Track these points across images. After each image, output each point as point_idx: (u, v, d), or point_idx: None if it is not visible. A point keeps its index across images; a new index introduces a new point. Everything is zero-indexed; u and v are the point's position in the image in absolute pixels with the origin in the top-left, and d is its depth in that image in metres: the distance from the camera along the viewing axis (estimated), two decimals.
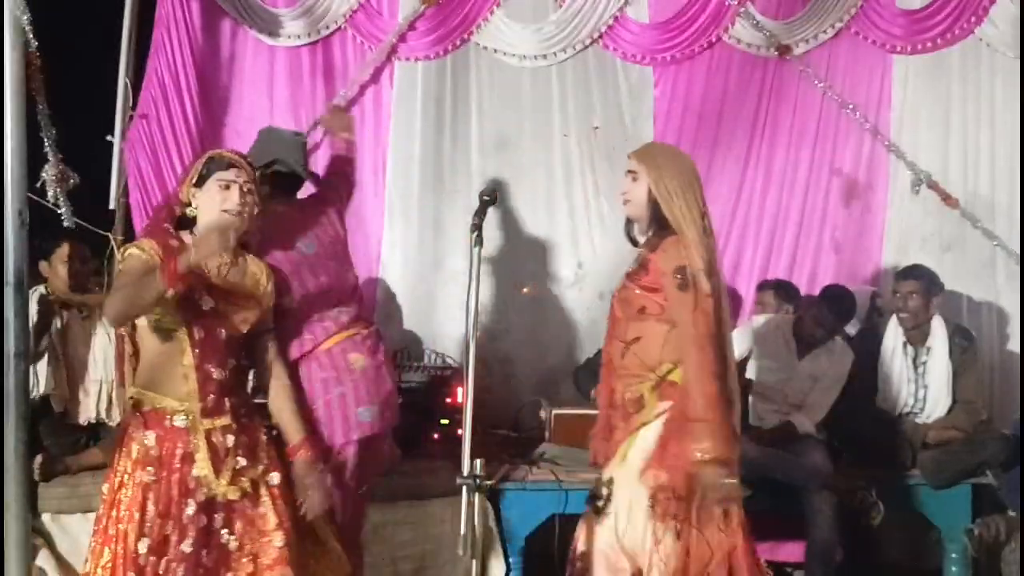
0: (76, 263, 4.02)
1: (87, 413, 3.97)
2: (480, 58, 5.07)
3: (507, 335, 5.01)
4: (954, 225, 5.11)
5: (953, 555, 4.19)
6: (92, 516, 3.67)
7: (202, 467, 2.62)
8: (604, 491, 2.86)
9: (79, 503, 3.72)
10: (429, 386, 4.30)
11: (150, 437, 2.63)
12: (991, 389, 4.91)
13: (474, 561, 2.33)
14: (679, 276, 2.75)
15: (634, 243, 3.03)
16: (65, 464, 3.79)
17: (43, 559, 3.66)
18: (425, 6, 4.93)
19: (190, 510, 2.60)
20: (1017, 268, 5.00)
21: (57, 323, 3.91)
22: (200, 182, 2.72)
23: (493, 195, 2.63)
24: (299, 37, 4.92)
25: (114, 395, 4.00)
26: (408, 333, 4.89)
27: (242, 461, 2.67)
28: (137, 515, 2.57)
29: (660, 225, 2.87)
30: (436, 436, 4.19)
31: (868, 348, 4.39)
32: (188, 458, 2.62)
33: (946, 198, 5.08)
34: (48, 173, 4.31)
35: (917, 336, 4.38)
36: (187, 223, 2.75)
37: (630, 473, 2.81)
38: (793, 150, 5.14)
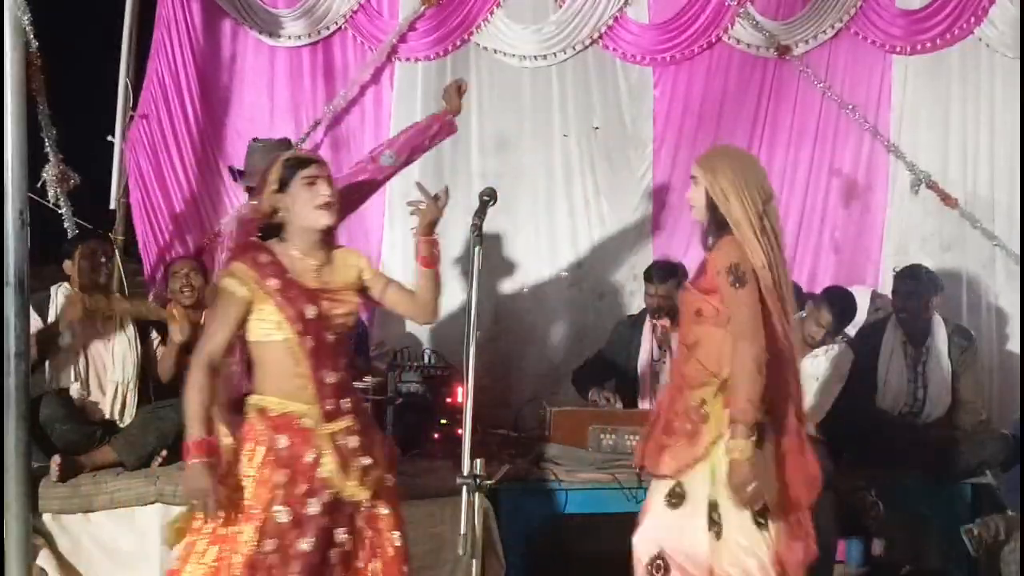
0: (97, 260, 4.04)
1: (102, 412, 3.98)
2: (480, 58, 5.07)
3: (507, 335, 5.02)
4: (954, 225, 5.11)
5: (953, 555, 4.19)
6: (92, 516, 3.72)
7: (329, 468, 2.62)
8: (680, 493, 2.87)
9: (80, 503, 3.72)
10: (429, 386, 4.30)
11: (282, 440, 2.63)
12: (990, 389, 4.91)
13: (474, 561, 2.33)
14: (732, 273, 2.76)
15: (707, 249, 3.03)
16: (81, 463, 3.80)
17: (44, 559, 3.66)
18: (425, 7, 4.93)
19: (312, 509, 2.60)
20: (1017, 268, 5.00)
21: (79, 322, 3.91)
22: (283, 187, 2.72)
23: (493, 195, 2.63)
24: (299, 37, 4.93)
25: (129, 397, 4.01)
26: (408, 333, 4.89)
27: (366, 460, 2.66)
28: (263, 515, 2.58)
29: (719, 226, 2.90)
30: (436, 436, 4.19)
31: (868, 348, 4.39)
32: (316, 459, 2.63)
33: (945, 198, 5.08)
34: (49, 173, 4.32)
35: (917, 336, 4.38)
36: (272, 231, 2.74)
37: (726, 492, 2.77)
38: (793, 150, 5.14)
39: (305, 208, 2.69)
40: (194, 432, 2.55)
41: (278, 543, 2.56)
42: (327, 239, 2.76)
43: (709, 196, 2.91)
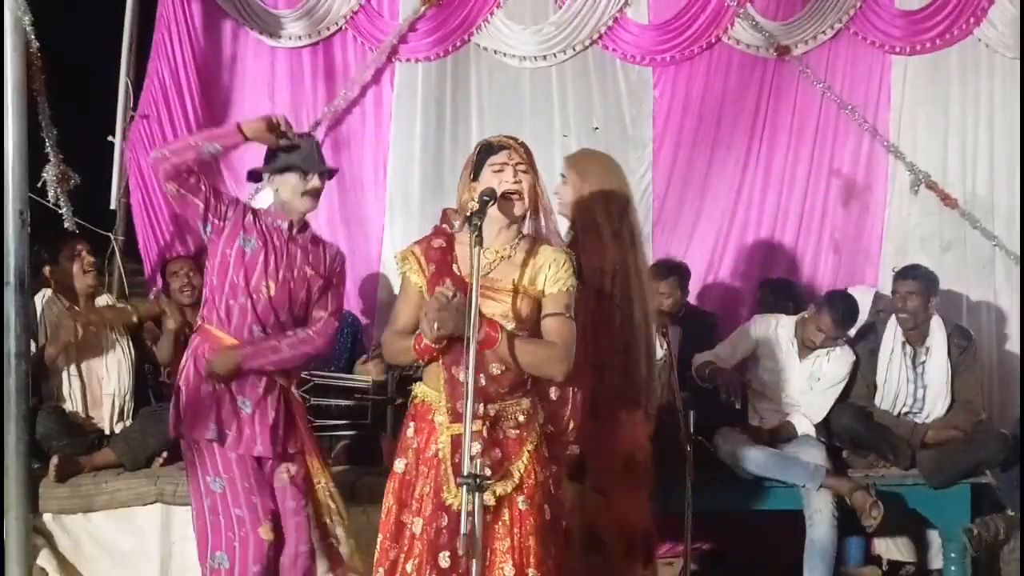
0: (84, 262, 4.02)
1: (99, 425, 3.98)
2: (480, 59, 5.07)
3: None
4: (953, 225, 5.11)
5: (953, 555, 4.19)
6: (92, 516, 3.73)
7: (443, 469, 2.56)
8: None
9: (80, 503, 3.73)
10: None
11: (411, 428, 2.64)
12: (990, 389, 4.91)
13: (474, 561, 2.32)
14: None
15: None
16: (80, 464, 3.80)
17: (44, 559, 3.66)
18: (425, 7, 4.93)
19: (429, 508, 2.57)
20: (1016, 268, 5.00)
21: (73, 334, 3.89)
22: (476, 175, 2.63)
23: (493, 195, 2.60)
24: (300, 38, 4.93)
25: (126, 406, 4.00)
26: None
27: (485, 472, 2.41)
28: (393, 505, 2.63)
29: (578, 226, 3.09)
30: None
31: (867, 348, 4.40)
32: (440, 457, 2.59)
33: (945, 198, 5.08)
34: (49, 173, 4.33)
35: (916, 336, 4.38)
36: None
37: None
38: (792, 150, 5.14)
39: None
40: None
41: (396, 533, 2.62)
42: (520, 232, 2.64)
43: (575, 196, 3.06)
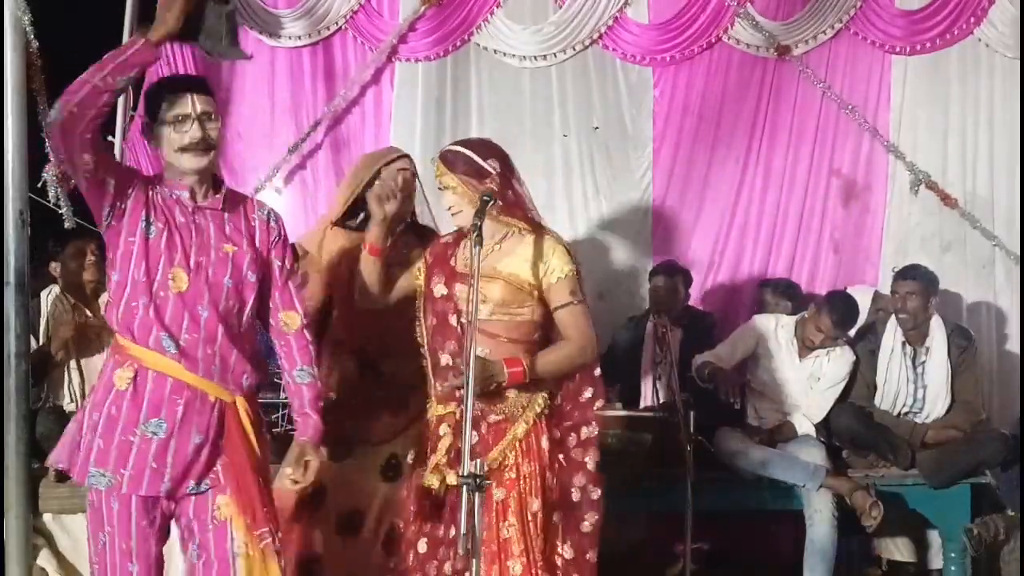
0: (86, 260, 4.03)
1: None
2: (480, 59, 5.07)
3: None
4: (953, 225, 5.11)
5: (953, 555, 4.20)
6: None
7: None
8: None
9: (80, 503, 3.70)
10: None
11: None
12: (990, 389, 4.91)
13: (474, 561, 2.33)
14: None
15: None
16: None
17: (44, 559, 3.66)
18: (425, 7, 4.93)
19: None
20: (1016, 268, 5.00)
21: (72, 330, 3.89)
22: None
23: (493, 195, 2.62)
24: (300, 38, 4.93)
25: None
26: None
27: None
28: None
29: None
30: None
31: (867, 348, 4.40)
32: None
33: (945, 198, 5.08)
34: (49, 173, 4.31)
35: (916, 336, 4.38)
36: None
37: None
38: (792, 150, 5.14)
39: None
40: None
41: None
42: (508, 221, 2.71)
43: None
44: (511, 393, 2.64)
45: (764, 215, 5.14)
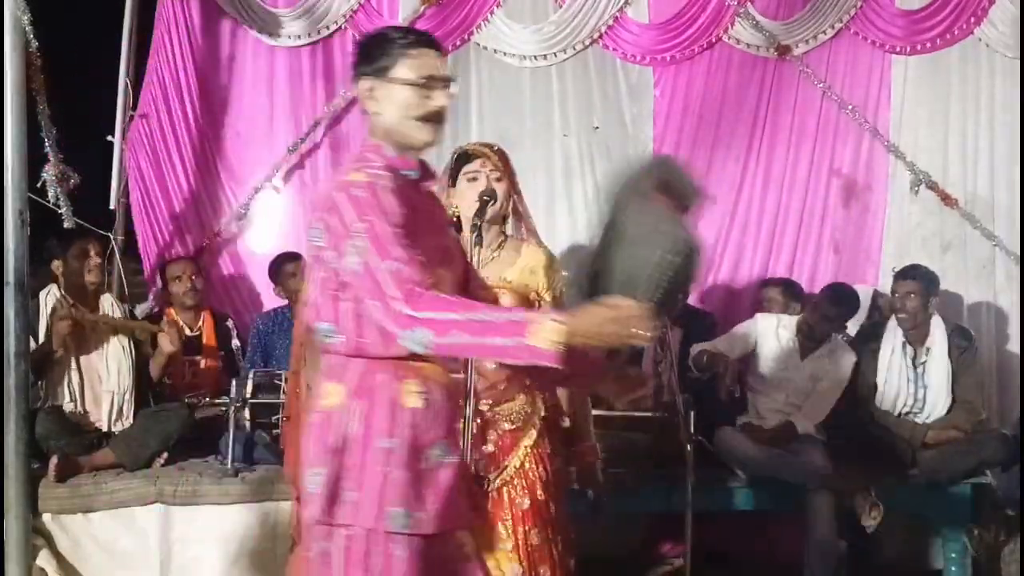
0: (89, 261, 4.02)
1: (98, 424, 3.96)
2: (480, 58, 5.07)
3: None
4: (954, 225, 5.11)
5: (953, 555, 4.19)
6: (92, 516, 3.72)
7: None
8: None
9: (80, 503, 3.72)
10: None
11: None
12: (990, 389, 4.91)
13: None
14: None
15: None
16: (79, 464, 3.79)
17: (43, 559, 3.65)
18: (425, 6, 4.93)
19: None
20: (1016, 268, 5.00)
21: (70, 335, 3.88)
22: (453, 182, 2.72)
23: (493, 195, 2.62)
24: (299, 37, 4.93)
25: (125, 406, 3.99)
26: None
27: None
28: None
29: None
30: None
31: (868, 348, 4.40)
32: None
33: (945, 198, 5.08)
34: (49, 173, 4.31)
35: (916, 336, 4.38)
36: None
37: None
38: (793, 150, 5.14)
39: (469, 207, 2.63)
40: None
41: None
42: (503, 232, 2.72)
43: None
44: (519, 399, 2.65)
45: (764, 215, 5.14)
